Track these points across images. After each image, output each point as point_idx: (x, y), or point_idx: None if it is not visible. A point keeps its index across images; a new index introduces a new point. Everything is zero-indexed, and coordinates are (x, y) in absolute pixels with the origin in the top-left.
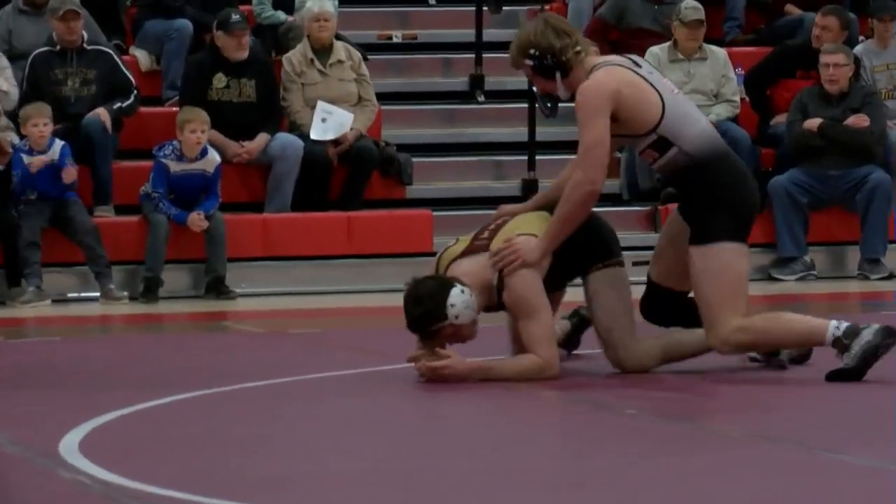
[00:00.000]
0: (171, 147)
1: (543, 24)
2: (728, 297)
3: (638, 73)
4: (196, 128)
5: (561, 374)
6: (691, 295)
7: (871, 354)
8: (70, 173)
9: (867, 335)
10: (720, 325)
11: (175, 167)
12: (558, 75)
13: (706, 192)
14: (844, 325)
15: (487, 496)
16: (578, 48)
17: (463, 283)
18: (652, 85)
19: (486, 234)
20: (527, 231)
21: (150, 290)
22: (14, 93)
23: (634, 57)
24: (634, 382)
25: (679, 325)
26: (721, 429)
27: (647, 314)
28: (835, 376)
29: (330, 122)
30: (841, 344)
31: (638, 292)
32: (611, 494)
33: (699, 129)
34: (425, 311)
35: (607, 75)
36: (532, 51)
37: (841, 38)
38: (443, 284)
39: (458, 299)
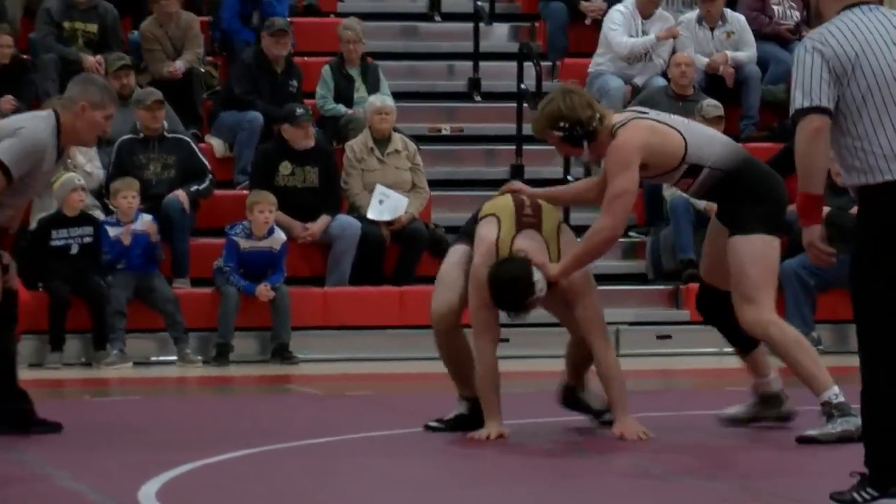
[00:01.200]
0: (241, 226)
1: (569, 98)
2: (769, 280)
3: (652, 119)
4: (264, 209)
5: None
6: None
7: (846, 440)
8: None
9: (852, 423)
10: (762, 307)
11: (245, 244)
12: (586, 143)
13: (744, 194)
14: (842, 398)
15: None
16: (600, 115)
17: None
18: (667, 124)
19: (529, 212)
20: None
21: (221, 355)
22: (98, 174)
23: (638, 108)
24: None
25: (727, 321)
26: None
27: (701, 310)
28: (806, 441)
29: (386, 205)
30: (829, 411)
31: None
32: None
33: (719, 144)
34: (519, 290)
35: (633, 132)
36: (562, 123)
37: None
38: (524, 264)
39: (538, 275)
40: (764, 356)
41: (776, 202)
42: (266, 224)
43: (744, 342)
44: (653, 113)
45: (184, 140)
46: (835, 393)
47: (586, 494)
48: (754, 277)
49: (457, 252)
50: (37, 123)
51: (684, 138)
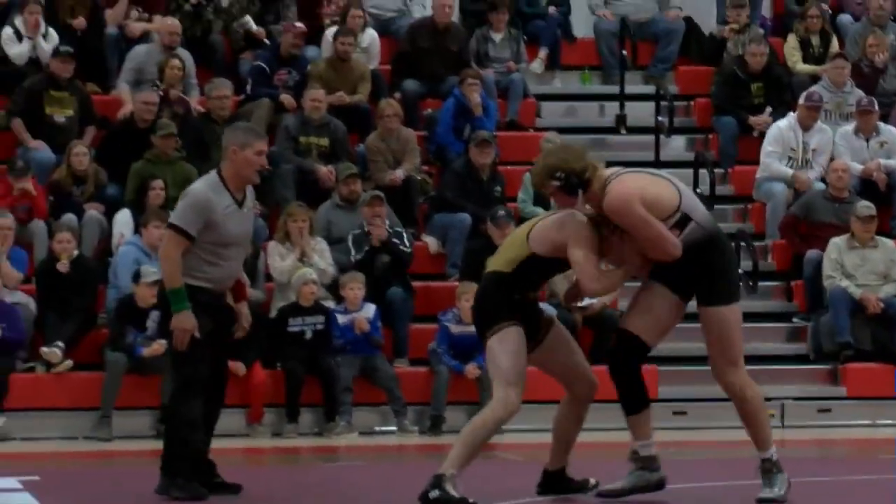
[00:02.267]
0: (451, 313)
1: (565, 151)
2: (741, 346)
3: (644, 172)
4: (470, 298)
5: None
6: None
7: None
8: (361, 323)
9: (784, 481)
10: (740, 368)
11: (455, 328)
12: (580, 192)
13: (720, 263)
14: (776, 456)
15: None
16: (593, 167)
17: None
18: (659, 175)
19: None
20: None
21: (435, 426)
22: (330, 271)
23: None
24: None
25: (634, 375)
26: None
27: (614, 360)
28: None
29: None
30: (769, 468)
31: None
32: None
33: (702, 207)
34: None
35: (622, 184)
36: (559, 174)
37: None
38: None
39: None
40: (648, 419)
41: (737, 273)
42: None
43: (636, 402)
44: (642, 170)
45: (399, 232)
46: (774, 451)
47: None
48: (739, 344)
49: None
50: (198, 184)
51: (678, 188)
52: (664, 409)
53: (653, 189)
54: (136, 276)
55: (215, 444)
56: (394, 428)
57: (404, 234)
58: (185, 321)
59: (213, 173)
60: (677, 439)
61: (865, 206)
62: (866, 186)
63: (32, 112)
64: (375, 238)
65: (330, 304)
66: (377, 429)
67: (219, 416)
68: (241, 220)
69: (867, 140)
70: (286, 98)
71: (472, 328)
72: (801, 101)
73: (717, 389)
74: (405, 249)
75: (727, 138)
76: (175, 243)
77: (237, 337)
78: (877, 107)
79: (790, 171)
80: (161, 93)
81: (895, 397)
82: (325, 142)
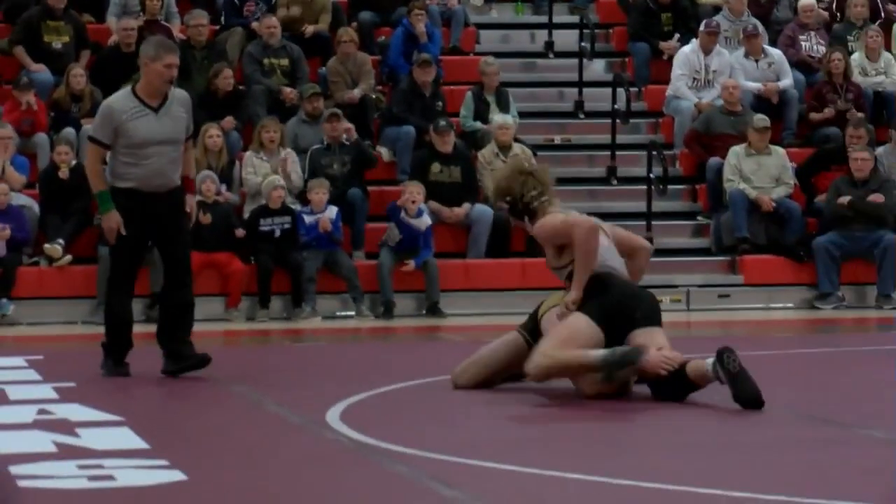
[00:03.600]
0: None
1: (522, 178)
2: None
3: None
4: (415, 195)
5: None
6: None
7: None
8: (324, 223)
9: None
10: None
11: (401, 215)
12: (527, 218)
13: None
14: None
15: None
16: (545, 198)
17: None
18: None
19: None
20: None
21: (387, 311)
22: (297, 179)
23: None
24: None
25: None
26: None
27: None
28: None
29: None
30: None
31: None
32: None
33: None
34: None
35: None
36: (507, 197)
37: (865, 141)
38: None
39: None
40: None
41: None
42: (414, 204)
43: None
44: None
45: (360, 144)
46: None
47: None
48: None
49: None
50: (111, 97)
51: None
52: None
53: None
54: None
55: (198, 327)
56: (352, 313)
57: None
58: (110, 220)
59: (128, 85)
60: None
61: (761, 119)
62: (760, 102)
63: (32, 40)
64: (347, 132)
65: (297, 206)
66: (338, 314)
67: (191, 301)
68: (154, 124)
69: (756, 62)
70: (256, 26)
71: (415, 221)
72: (701, 28)
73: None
74: (371, 151)
75: (641, 62)
76: (93, 152)
77: (190, 226)
78: (762, 31)
79: (694, 99)
80: (143, 22)
81: (785, 284)
82: (285, 62)
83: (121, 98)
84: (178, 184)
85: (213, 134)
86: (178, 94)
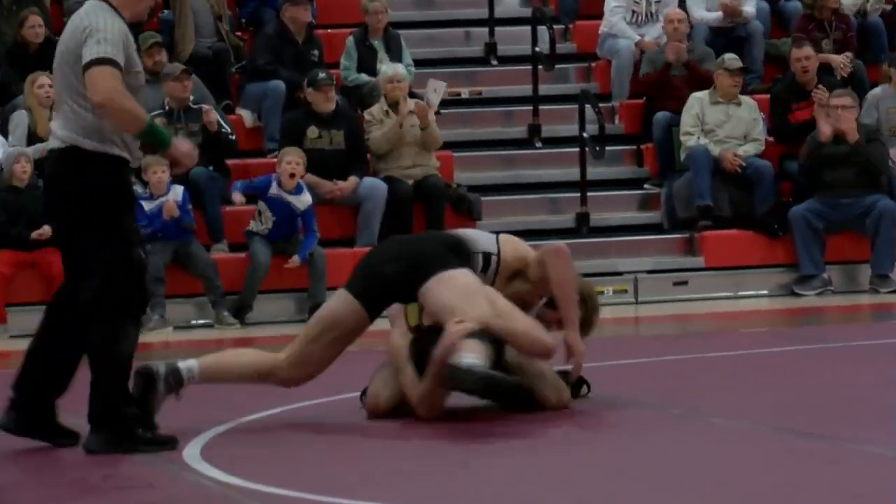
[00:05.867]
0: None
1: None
2: None
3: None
4: (291, 160)
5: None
6: None
7: None
8: (170, 207)
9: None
10: None
11: (273, 191)
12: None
13: None
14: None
15: None
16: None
17: None
18: None
19: None
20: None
21: (238, 315)
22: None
23: None
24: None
25: None
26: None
27: None
28: None
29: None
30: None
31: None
32: None
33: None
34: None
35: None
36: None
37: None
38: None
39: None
40: None
41: None
42: (293, 177)
43: None
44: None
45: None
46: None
47: (617, 429)
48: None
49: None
50: (102, 15)
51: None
52: None
53: None
54: None
55: (22, 345)
56: (211, 321)
57: (218, 113)
58: (182, 142)
59: (101, 3)
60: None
61: (733, 58)
62: (717, 38)
63: None
64: (209, 124)
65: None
66: (193, 322)
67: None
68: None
69: None
70: None
71: (293, 199)
72: None
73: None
74: (231, 137)
75: None
76: (114, 76)
77: None
78: None
79: (634, 36)
80: None
81: (756, 266)
82: None
83: (116, 17)
84: None
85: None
86: None
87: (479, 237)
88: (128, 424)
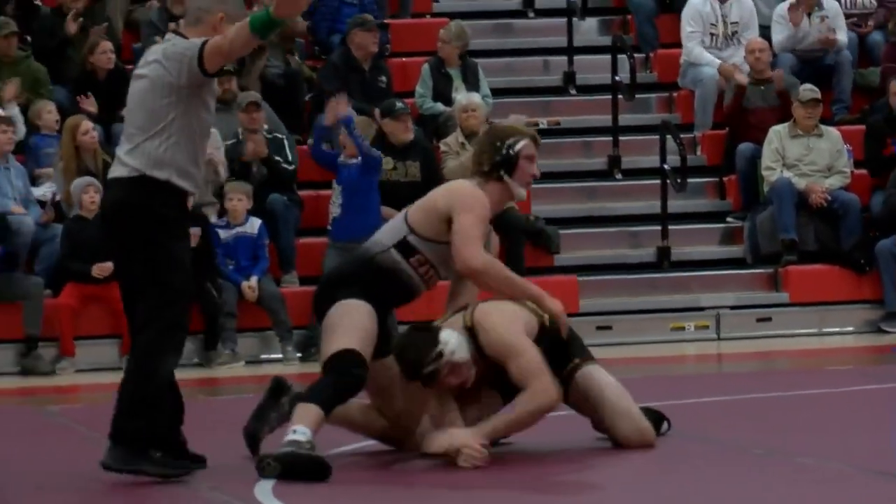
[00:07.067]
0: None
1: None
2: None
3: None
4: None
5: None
6: None
7: None
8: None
9: None
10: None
11: None
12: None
13: None
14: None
15: None
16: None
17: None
18: None
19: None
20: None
21: (305, 349)
22: (225, 171)
23: None
24: None
25: None
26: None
27: None
28: None
29: None
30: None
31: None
32: None
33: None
34: (419, 351)
35: None
36: None
37: None
38: (431, 329)
39: (451, 337)
40: None
41: None
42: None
43: None
44: None
45: (279, 138)
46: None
47: (690, 465)
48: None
49: None
50: (191, 42)
51: None
52: (587, 323)
53: None
54: None
55: (85, 379)
56: (279, 355)
57: (286, 142)
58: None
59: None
60: (602, 356)
61: (809, 89)
62: (804, 67)
63: None
64: (251, 152)
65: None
66: (263, 357)
67: None
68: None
69: (808, 15)
70: None
71: None
72: None
73: (643, 301)
74: (287, 167)
75: (645, 18)
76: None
77: None
78: None
79: (716, 61)
80: None
81: (842, 302)
82: None
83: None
84: None
85: (86, 129)
86: None
87: (381, 232)
88: (142, 443)
